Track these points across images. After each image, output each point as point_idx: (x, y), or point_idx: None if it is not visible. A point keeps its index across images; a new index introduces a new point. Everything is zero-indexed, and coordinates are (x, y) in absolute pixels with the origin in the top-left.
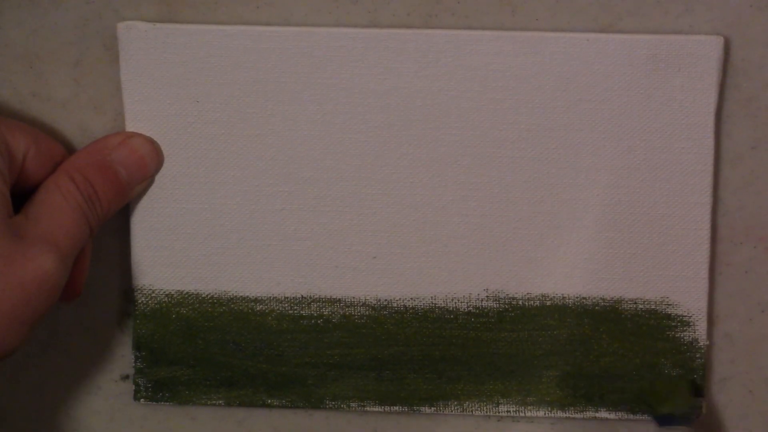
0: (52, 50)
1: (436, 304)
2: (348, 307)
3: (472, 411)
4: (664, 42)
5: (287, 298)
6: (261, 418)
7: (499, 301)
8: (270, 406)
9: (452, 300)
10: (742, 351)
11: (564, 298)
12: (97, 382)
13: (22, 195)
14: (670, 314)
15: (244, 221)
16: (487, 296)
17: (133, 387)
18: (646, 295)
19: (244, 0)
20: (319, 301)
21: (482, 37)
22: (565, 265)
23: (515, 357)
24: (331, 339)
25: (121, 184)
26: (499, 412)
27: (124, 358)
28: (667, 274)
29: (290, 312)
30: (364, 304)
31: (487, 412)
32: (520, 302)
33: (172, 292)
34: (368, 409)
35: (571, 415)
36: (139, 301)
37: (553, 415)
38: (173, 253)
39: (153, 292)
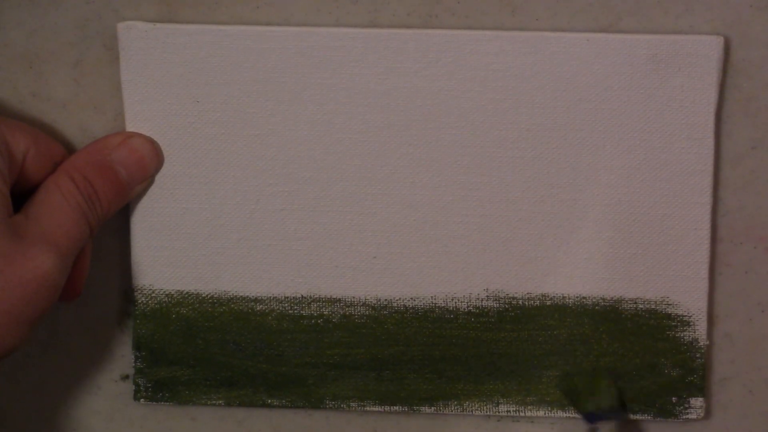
0: (52, 50)
1: (436, 303)
2: (348, 307)
3: (472, 411)
4: (664, 42)
5: (287, 298)
6: (261, 418)
7: (499, 300)
8: (270, 406)
9: (452, 300)
10: (742, 351)
11: (564, 297)
12: (97, 382)
13: (22, 195)
14: (670, 314)
15: (244, 221)
16: (487, 296)
17: (133, 387)
18: (646, 295)
19: (244, 0)
20: (319, 301)
21: (482, 37)
22: (565, 265)
23: (515, 357)
24: (331, 339)
25: (121, 184)
26: (499, 412)
27: (124, 358)
28: (667, 274)
29: (290, 312)
30: (364, 304)
31: (487, 412)
32: (520, 302)
33: (172, 292)
34: (368, 409)
35: (571, 415)
36: (139, 301)
37: (553, 415)
38: (173, 253)
39: (153, 292)
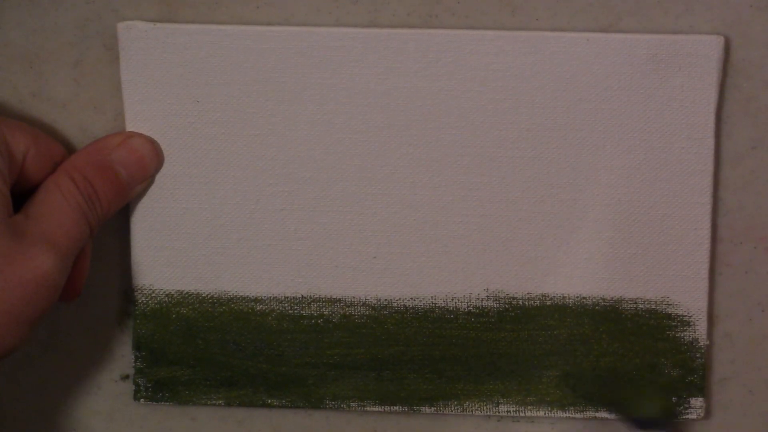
0: (52, 50)
1: (436, 303)
2: (348, 306)
3: (472, 411)
4: (664, 42)
5: (287, 298)
6: (261, 418)
7: (499, 300)
8: (270, 406)
9: (452, 300)
10: (742, 351)
11: (564, 297)
12: (97, 382)
13: (22, 195)
14: (670, 314)
15: (244, 221)
16: (487, 296)
17: (133, 387)
18: (647, 295)
19: (244, 0)
20: (319, 301)
21: (482, 37)
22: (565, 265)
23: (515, 357)
24: (331, 339)
25: (121, 184)
26: (499, 412)
27: (124, 358)
28: (667, 274)
29: (290, 312)
30: (364, 304)
31: (487, 412)
32: (520, 302)
33: (172, 292)
34: (368, 409)
35: (571, 415)
36: (139, 301)
37: (553, 415)
38: (173, 253)
39: (153, 292)
